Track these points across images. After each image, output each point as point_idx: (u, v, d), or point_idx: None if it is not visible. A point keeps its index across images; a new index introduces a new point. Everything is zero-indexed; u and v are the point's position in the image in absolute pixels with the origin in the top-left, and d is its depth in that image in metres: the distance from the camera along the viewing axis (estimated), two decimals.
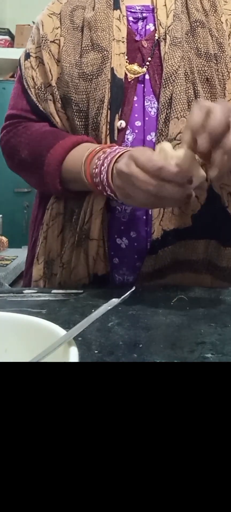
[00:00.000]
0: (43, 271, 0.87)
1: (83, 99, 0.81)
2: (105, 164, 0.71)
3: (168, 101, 0.79)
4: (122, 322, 0.62)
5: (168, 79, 0.79)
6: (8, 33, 3.80)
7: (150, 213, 0.80)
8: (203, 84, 0.80)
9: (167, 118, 0.79)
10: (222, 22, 0.84)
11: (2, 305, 0.71)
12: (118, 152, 0.71)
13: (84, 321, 0.43)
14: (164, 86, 0.79)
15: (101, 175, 0.71)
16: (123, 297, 0.49)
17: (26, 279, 0.93)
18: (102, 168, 0.71)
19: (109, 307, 0.46)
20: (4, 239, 2.85)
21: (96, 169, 0.72)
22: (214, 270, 0.85)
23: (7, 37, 3.78)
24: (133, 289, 0.53)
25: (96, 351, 0.53)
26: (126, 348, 0.54)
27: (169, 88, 0.79)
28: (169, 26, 0.83)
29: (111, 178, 0.70)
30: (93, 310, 0.45)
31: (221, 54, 0.82)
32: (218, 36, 0.83)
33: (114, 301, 0.48)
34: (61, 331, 0.41)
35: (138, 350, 0.54)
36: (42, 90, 0.86)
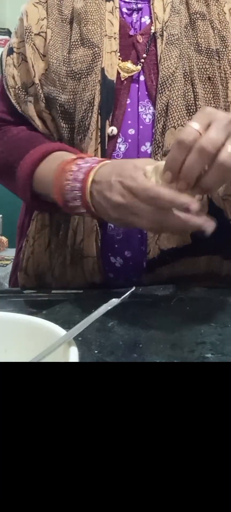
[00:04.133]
0: (36, 283, 0.82)
1: (70, 100, 0.74)
2: (76, 187, 0.63)
3: (164, 108, 0.72)
4: (122, 322, 0.62)
5: (164, 83, 0.73)
6: (8, 33, 3.80)
7: (145, 231, 0.73)
8: (204, 83, 0.74)
9: (164, 127, 0.72)
10: (225, 13, 0.77)
11: (2, 305, 0.71)
12: (91, 169, 0.63)
13: (84, 321, 0.43)
14: (160, 91, 0.73)
15: (74, 194, 0.64)
16: (123, 297, 0.49)
17: (11, 283, 0.90)
18: (74, 187, 0.63)
19: (109, 307, 0.46)
20: (4, 239, 2.85)
21: (68, 186, 0.64)
22: (216, 278, 0.80)
23: (7, 37, 3.77)
24: (133, 289, 0.53)
25: (96, 351, 0.53)
26: (126, 348, 0.54)
27: (165, 93, 0.73)
28: (166, 22, 0.76)
29: (89, 197, 0.62)
30: (93, 310, 0.45)
31: (224, 49, 0.75)
32: (220, 29, 0.76)
33: (114, 301, 0.48)
34: (61, 331, 0.41)
35: (138, 350, 0.54)
36: (23, 91, 0.79)
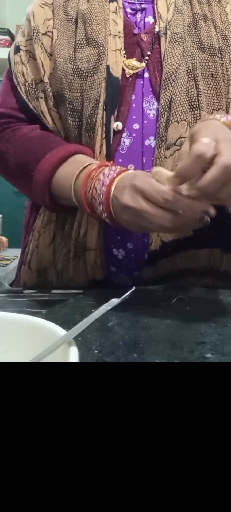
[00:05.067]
0: (37, 280, 0.84)
1: (78, 97, 0.77)
2: (101, 192, 0.66)
3: (168, 103, 0.75)
4: (122, 322, 0.62)
5: (167, 79, 0.75)
6: (8, 33, 3.79)
7: None
8: (207, 80, 0.76)
9: (167, 122, 0.75)
10: (227, 13, 0.80)
11: (2, 305, 0.71)
12: (114, 177, 0.66)
13: (84, 321, 0.43)
14: (164, 87, 0.75)
15: (99, 204, 0.67)
16: (123, 297, 0.49)
17: (16, 281, 0.91)
18: (98, 196, 0.67)
19: (109, 307, 0.46)
20: (4, 239, 2.85)
21: (95, 196, 0.67)
22: (216, 274, 0.81)
23: (7, 37, 3.77)
24: (133, 289, 0.53)
25: (96, 351, 0.53)
26: (126, 348, 0.54)
27: (168, 89, 0.75)
28: (170, 21, 0.79)
29: (111, 206, 0.65)
30: (93, 310, 0.45)
31: (226, 48, 0.78)
32: (222, 28, 0.79)
33: (114, 301, 0.48)
34: (61, 331, 0.41)
35: (138, 350, 0.54)
36: (33, 87, 0.81)
